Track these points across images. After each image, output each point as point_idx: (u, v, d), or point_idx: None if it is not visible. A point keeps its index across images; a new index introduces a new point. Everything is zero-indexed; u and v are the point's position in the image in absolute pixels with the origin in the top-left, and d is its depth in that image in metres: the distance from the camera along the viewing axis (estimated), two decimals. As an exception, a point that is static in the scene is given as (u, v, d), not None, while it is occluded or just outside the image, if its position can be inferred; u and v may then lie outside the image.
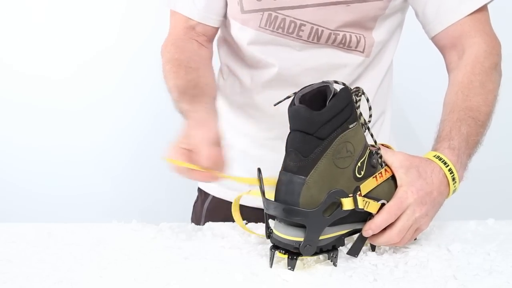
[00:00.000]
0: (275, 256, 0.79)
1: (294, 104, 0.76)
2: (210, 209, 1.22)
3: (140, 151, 2.05)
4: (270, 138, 1.14)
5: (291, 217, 0.76)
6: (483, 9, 1.04)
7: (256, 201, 1.16)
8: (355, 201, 0.77)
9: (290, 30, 1.05)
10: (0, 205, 2.01)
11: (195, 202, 1.29)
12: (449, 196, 0.88)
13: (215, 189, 1.22)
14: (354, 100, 0.78)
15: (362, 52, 1.09)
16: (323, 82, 0.78)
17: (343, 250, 0.84)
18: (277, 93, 1.09)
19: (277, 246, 0.78)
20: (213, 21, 1.13)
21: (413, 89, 1.85)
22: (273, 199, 0.78)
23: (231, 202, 1.18)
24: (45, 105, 2.00)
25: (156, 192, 2.07)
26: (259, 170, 0.81)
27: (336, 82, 0.79)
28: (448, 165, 0.86)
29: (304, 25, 1.04)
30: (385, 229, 0.81)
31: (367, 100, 0.81)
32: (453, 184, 0.87)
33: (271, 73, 1.10)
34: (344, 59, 1.09)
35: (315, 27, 1.04)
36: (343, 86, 0.77)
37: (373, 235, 0.81)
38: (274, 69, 1.10)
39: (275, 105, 0.83)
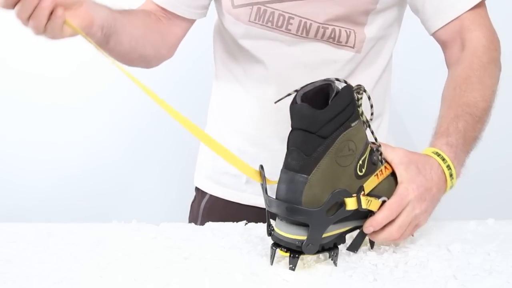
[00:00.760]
0: (276, 254, 0.79)
1: (296, 102, 0.76)
2: (207, 208, 1.22)
3: (141, 150, 2.05)
4: (265, 135, 1.14)
5: (294, 216, 0.75)
6: (482, 4, 1.05)
7: (255, 200, 1.16)
8: (359, 201, 0.77)
9: (279, 24, 1.06)
10: (0, 205, 2.01)
11: (193, 202, 1.29)
12: (445, 192, 0.88)
13: (212, 188, 1.22)
14: (356, 98, 0.78)
15: (353, 47, 1.08)
16: (325, 80, 0.78)
17: (342, 250, 0.84)
18: (269, 89, 1.10)
19: (278, 244, 0.78)
20: (183, 11, 1.14)
21: (413, 93, 1.85)
22: (274, 197, 0.78)
23: (228, 201, 1.19)
24: (45, 103, 1.99)
25: (156, 192, 2.07)
26: (261, 167, 0.81)
27: (337, 80, 0.79)
28: (446, 162, 0.87)
29: (293, 18, 1.05)
30: (385, 225, 0.81)
31: (369, 97, 0.81)
32: (451, 180, 0.87)
33: (262, 68, 1.11)
34: (334, 54, 1.08)
35: (304, 20, 1.05)
36: (345, 84, 0.77)
37: (374, 232, 0.82)
38: (264, 64, 1.10)
39: (275, 102, 0.84)
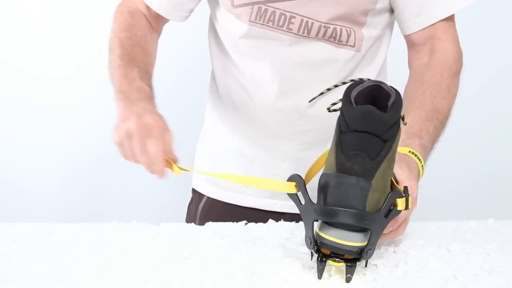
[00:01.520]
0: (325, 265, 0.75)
1: (352, 103, 0.74)
2: (205, 210, 1.22)
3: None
4: (265, 136, 1.14)
5: (360, 222, 0.72)
6: (453, 18, 1.10)
7: (254, 202, 1.16)
8: (407, 201, 0.76)
9: (280, 23, 1.06)
10: (0, 205, 2.01)
11: (190, 204, 1.29)
12: None
13: (210, 190, 1.22)
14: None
15: (353, 46, 1.09)
16: (373, 81, 0.76)
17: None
18: (270, 88, 1.10)
19: (326, 254, 0.75)
20: (173, 16, 1.16)
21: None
22: (315, 202, 0.74)
23: (226, 203, 1.19)
24: (45, 104, 2.00)
25: (156, 192, 2.07)
26: (298, 177, 0.77)
27: (361, 79, 0.77)
28: (421, 162, 0.89)
29: (294, 17, 1.05)
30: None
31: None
32: (420, 178, 0.89)
33: (263, 67, 1.10)
34: (335, 53, 1.09)
35: (305, 19, 1.05)
36: (394, 89, 0.75)
37: (381, 236, 0.79)
38: (265, 64, 1.10)
39: (310, 101, 0.84)
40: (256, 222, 0.97)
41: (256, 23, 1.06)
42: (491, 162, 2.06)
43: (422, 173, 0.89)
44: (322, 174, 0.76)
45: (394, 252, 0.85)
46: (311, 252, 0.77)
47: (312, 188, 0.78)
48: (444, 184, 2.01)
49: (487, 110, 2.05)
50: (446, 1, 1.06)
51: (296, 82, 1.08)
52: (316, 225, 0.75)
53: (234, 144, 1.17)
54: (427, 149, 0.93)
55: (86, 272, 0.77)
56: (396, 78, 1.15)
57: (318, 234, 0.75)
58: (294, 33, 1.06)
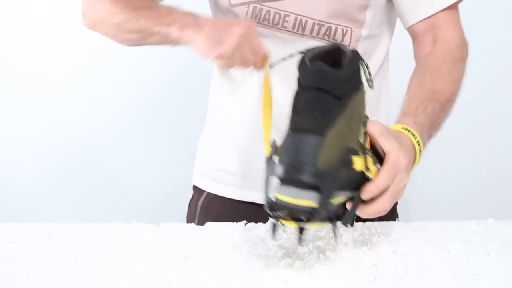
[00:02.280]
0: (278, 230, 0.74)
1: (306, 62, 0.72)
2: (205, 206, 1.23)
3: (140, 150, 2.05)
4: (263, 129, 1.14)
5: (309, 178, 0.69)
6: (456, 6, 1.09)
7: (252, 196, 1.17)
8: (365, 161, 0.75)
9: (275, 22, 1.07)
10: (0, 205, 2.01)
11: (190, 200, 1.30)
12: (413, 168, 0.87)
13: (208, 185, 1.23)
14: (363, 64, 0.77)
15: (348, 46, 1.09)
16: (333, 43, 0.77)
17: (342, 250, 0.84)
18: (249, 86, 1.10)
19: (278, 215, 0.73)
20: None
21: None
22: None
23: (225, 198, 1.19)
24: (44, 103, 2.00)
25: (156, 192, 2.07)
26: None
27: (340, 44, 0.78)
28: (416, 137, 0.88)
29: (288, 15, 1.06)
30: (373, 199, 0.79)
31: (366, 66, 0.79)
32: (419, 156, 0.88)
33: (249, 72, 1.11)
34: None
35: (299, 17, 1.06)
36: (353, 49, 0.76)
37: (364, 208, 0.79)
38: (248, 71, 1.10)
39: (271, 67, 0.92)
40: (256, 217, 0.97)
41: (253, 22, 1.07)
42: (491, 162, 2.06)
43: (420, 150, 0.87)
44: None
45: (394, 252, 0.85)
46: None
47: None
48: (444, 184, 2.02)
49: (487, 110, 2.05)
50: None
51: (291, 79, 1.07)
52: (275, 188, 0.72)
53: (234, 140, 1.17)
54: (424, 127, 0.91)
55: (86, 272, 0.77)
56: (398, 76, 1.16)
57: (275, 196, 0.72)
58: (289, 31, 1.07)
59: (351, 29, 1.08)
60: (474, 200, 1.99)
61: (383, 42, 1.15)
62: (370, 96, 1.16)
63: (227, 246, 0.87)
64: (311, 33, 1.07)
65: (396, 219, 1.19)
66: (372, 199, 0.79)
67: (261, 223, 0.97)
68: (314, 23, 1.06)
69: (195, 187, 1.28)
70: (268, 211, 0.73)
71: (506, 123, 2.06)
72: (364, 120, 0.79)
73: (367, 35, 1.10)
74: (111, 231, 0.93)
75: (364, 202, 0.79)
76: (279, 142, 0.74)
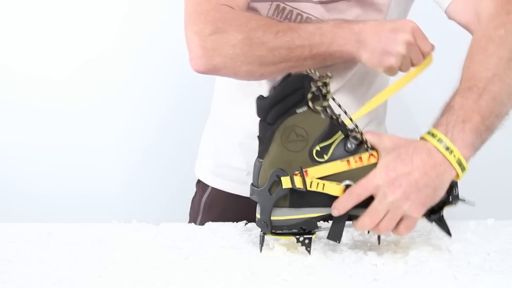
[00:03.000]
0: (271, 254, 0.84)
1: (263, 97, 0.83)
2: (208, 203, 1.22)
3: (141, 151, 2.05)
4: None
5: (251, 195, 0.84)
6: None
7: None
8: (292, 180, 0.80)
9: (296, 22, 1.06)
10: (0, 205, 2.01)
11: (193, 198, 1.29)
12: (459, 172, 0.81)
13: (214, 181, 1.22)
14: (310, 86, 0.80)
15: None
16: (288, 73, 0.83)
17: (343, 250, 0.84)
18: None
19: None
20: None
21: (411, 96, 1.85)
22: None
23: (230, 194, 1.19)
24: (45, 105, 1.99)
25: (156, 192, 2.07)
26: None
27: (310, 70, 0.83)
28: (436, 136, 0.80)
29: (310, 18, 1.05)
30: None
31: (324, 84, 0.81)
32: (451, 154, 0.79)
33: None
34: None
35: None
36: (298, 74, 0.82)
37: (354, 221, 0.81)
38: None
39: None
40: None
41: (274, 19, 1.06)
42: (491, 162, 2.05)
43: (446, 146, 0.79)
44: None
45: (394, 252, 0.85)
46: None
47: None
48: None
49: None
50: None
51: None
52: None
53: (237, 138, 1.17)
54: (449, 124, 0.81)
55: (86, 272, 0.77)
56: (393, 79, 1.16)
57: None
58: None
59: None
60: (474, 200, 1.98)
61: None
62: (375, 92, 1.17)
63: (227, 246, 0.87)
64: None
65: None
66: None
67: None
68: None
69: (198, 184, 1.28)
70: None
71: (506, 123, 2.06)
72: (335, 136, 0.82)
73: None
74: (111, 231, 0.93)
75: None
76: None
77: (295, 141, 0.81)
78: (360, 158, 0.81)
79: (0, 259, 0.81)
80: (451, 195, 0.83)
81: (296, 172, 0.80)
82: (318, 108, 0.81)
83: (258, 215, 0.83)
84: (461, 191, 0.86)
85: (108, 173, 2.06)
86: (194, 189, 1.30)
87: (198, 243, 0.88)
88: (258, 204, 0.84)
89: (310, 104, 0.80)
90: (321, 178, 0.80)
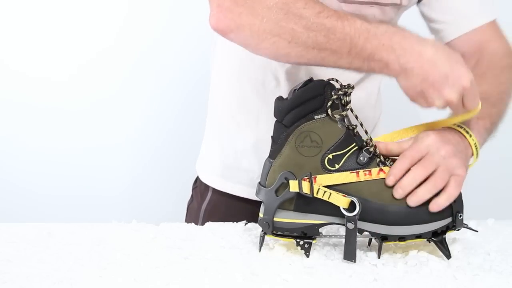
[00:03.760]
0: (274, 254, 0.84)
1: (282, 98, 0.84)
2: (209, 210, 1.20)
3: (141, 151, 2.05)
4: None
5: (257, 195, 0.85)
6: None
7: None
8: (300, 184, 0.80)
9: None
10: (0, 205, 2.01)
11: (190, 204, 1.27)
12: (474, 155, 0.88)
13: (220, 183, 1.19)
14: (331, 94, 0.81)
15: None
16: (309, 79, 0.84)
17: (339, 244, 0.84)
18: (290, 87, 1.07)
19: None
20: None
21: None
22: None
23: (234, 197, 1.16)
24: (45, 105, 2.00)
25: (156, 192, 2.07)
26: None
27: (333, 79, 0.83)
28: (468, 132, 0.88)
29: None
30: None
31: (344, 94, 0.83)
32: (475, 148, 0.88)
33: (288, 66, 1.07)
34: None
35: None
36: (312, 81, 0.83)
37: (409, 198, 0.82)
38: (288, 64, 1.06)
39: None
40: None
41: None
42: (491, 162, 2.05)
43: (466, 130, 0.88)
44: None
45: (394, 252, 0.85)
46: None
47: None
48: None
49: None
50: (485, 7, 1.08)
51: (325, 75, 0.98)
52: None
53: (250, 139, 1.14)
54: (477, 124, 0.92)
55: (86, 272, 0.77)
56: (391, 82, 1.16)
57: None
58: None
59: None
60: (474, 200, 1.98)
61: None
62: (380, 97, 1.18)
63: (227, 246, 0.87)
64: None
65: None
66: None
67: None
68: None
69: (195, 189, 1.26)
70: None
71: (506, 123, 2.06)
72: (350, 147, 0.82)
73: None
74: (111, 231, 0.93)
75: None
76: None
77: (309, 147, 0.81)
78: (370, 171, 0.82)
79: (0, 259, 0.81)
80: (455, 220, 0.84)
81: (305, 177, 0.81)
82: (336, 116, 0.82)
83: (261, 214, 0.84)
84: (462, 191, 0.86)
85: (108, 173, 2.06)
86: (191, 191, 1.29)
87: (198, 243, 0.88)
88: (262, 204, 0.84)
89: (329, 112, 0.81)
90: (328, 187, 0.81)
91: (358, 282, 0.75)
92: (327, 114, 0.81)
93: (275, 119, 0.84)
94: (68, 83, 1.99)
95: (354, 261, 0.81)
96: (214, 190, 1.20)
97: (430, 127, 0.89)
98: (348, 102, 0.83)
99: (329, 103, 0.81)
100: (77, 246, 0.86)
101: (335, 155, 0.82)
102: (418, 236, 0.83)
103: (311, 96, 0.81)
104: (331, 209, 0.81)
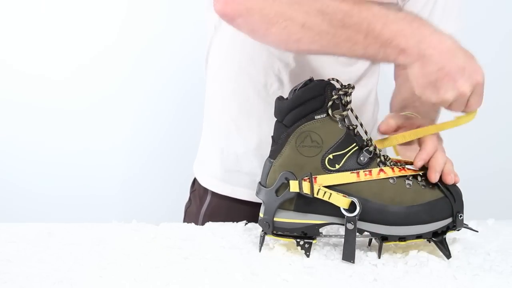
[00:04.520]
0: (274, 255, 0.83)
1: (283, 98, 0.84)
2: (208, 214, 1.18)
3: (140, 151, 2.05)
4: None
5: (257, 195, 0.85)
6: None
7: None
8: (300, 185, 0.80)
9: None
10: (0, 205, 2.01)
11: (188, 208, 1.26)
12: None
13: (221, 187, 1.18)
14: (331, 94, 0.81)
15: None
16: (309, 79, 0.84)
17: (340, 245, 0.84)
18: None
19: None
20: None
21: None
22: None
23: (235, 200, 1.15)
24: (45, 105, 1.99)
25: (156, 192, 2.07)
26: None
27: (333, 79, 0.83)
28: None
29: None
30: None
31: (345, 94, 0.83)
32: None
33: (291, 67, 1.07)
34: (355, 62, 1.10)
35: None
36: (312, 81, 0.83)
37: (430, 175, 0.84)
38: (293, 64, 1.07)
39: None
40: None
41: None
42: (491, 162, 2.06)
43: None
44: None
45: (394, 252, 0.85)
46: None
47: None
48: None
49: (487, 110, 2.04)
50: (448, 21, 1.08)
51: (329, 74, 0.98)
52: None
53: (252, 141, 1.13)
54: None
55: (86, 272, 0.77)
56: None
57: None
58: None
59: None
60: (474, 200, 1.98)
61: None
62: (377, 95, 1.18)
63: (227, 246, 0.87)
64: None
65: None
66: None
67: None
68: None
69: (193, 193, 1.25)
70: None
71: (506, 123, 2.06)
72: (350, 147, 0.82)
73: None
74: (111, 231, 0.93)
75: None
76: None
77: (309, 147, 0.82)
78: (370, 171, 0.82)
79: (0, 259, 0.81)
80: (456, 221, 0.84)
81: (305, 178, 0.81)
82: (337, 116, 0.82)
83: (261, 214, 0.84)
84: (462, 191, 0.86)
85: (108, 173, 2.06)
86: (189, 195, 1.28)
87: (198, 243, 0.88)
88: (262, 203, 0.84)
89: (330, 112, 0.81)
90: (329, 187, 0.81)
91: (358, 282, 0.75)
92: (328, 114, 0.81)
93: (276, 119, 0.84)
94: (68, 83, 1.99)
95: (353, 262, 0.81)
96: (214, 194, 1.19)
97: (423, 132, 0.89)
98: (348, 102, 0.83)
99: (330, 103, 0.81)
100: (77, 246, 0.86)
101: (336, 155, 0.82)
102: (419, 236, 0.83)
103: (312, 96, 0.81)
104: (331, 209, 0.81)
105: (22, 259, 0.81)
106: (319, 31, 0.78)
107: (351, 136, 0.83)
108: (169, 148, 2.02)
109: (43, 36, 1.97)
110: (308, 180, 0.80)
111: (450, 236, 0.92)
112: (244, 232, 0.94)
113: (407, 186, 0.83)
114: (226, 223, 0.98)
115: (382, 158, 0.84)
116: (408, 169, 0.85)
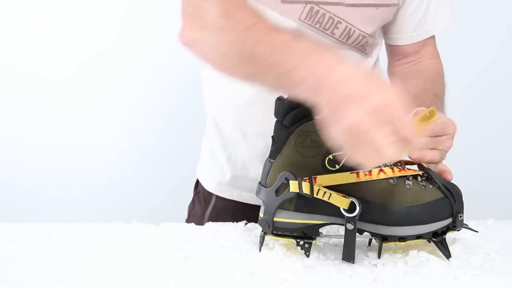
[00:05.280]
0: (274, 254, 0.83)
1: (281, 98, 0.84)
2: (214, 216, 1.18)
3: (140, 151, 2.05)
4: None
5: (257, 195, 0.85)
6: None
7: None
8: (300, 185, 0.80)
9: (327, 26, 1.05)
10: (0, 205, 2.01)
11: (192, 209, 1.26)
12: None
13: (227, 192, 1.18)
14: None
15: (371, 55, 1.14)
16: None
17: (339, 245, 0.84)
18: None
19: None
20: None
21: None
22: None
23: (240, 203, 1.16)
24: (45, 105, 2.00)
25: (156, 192, 2.07)
26: None
27: None
28: None
29: (340, 23, 1.05)
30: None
31: None
32: None
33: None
34: (361, 61, 1.12)
35: (349, 26, 1.05)
36: None
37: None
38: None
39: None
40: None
41: (305, 22, 1.03)
42: (491, 162, 2.06)
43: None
44: None
45: (394, 252, 0.85)
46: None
47: None
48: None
49: (487, 110, 2.05)
50: (441, 19, 1.15)
51: None
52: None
53: (259, 146, 1.12)
54: None
55: (86, 272, 0.77)
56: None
57: None
58: (335, 38, 1.06)
59: (373, 38, 1.12)
60: (474, 200, 1.98)
61: (379, 47, 1.19)
62: None
63: (227, 246, 0.87)
64: (353, 42, 1.08)
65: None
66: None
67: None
68: (359, 34, 1.07)
69: (197, 195, 1.24)
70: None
71: (506, 123, 2.06)
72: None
73: (376, 43, 1.15)
74: (111, 231, 0.93)
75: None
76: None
77: (310, 147, 0.81)
78: (370, 172, 0.82)
79: (0, 259, 0.81)
80: (456, 221, 0.84)
81: (305, 178, 0.81)
82: None
83: (261, 214, 0.84)
84: (462, 191, 0.86)
85: (108, 173, 2.06)
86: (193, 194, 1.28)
87: (198, 243, 0.88)
88: (262, 203, 0.84)
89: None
90: (328, 187, 0.81)
91: (358, 282, 0.75)
92: None
93: (276, 119, 0.84)
94: (68, 82, 1.99)
95: (353, 262, 0.81)
96: (219, 197, 1.19)
97: None
98: None
99: None
100: (77, 246, 0.86)
101: (336, 155, 0.81)
102: (419, 237, 0.83)
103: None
104: (331, 209, 0.81)
105: (22, 259, 0.81)
106: (237, 61, 0.79)
107: None
108: (169, 148, 2.03)
109: (43, 36, 1.97)
110: (308, 180, 0.80)
111: (450, 236, 0.92)
112: (244, 232, 0.94)
113: (407, 186, 0.83)
114: (226, 223, 0.98)
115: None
116: (408, 169, 0.85)
